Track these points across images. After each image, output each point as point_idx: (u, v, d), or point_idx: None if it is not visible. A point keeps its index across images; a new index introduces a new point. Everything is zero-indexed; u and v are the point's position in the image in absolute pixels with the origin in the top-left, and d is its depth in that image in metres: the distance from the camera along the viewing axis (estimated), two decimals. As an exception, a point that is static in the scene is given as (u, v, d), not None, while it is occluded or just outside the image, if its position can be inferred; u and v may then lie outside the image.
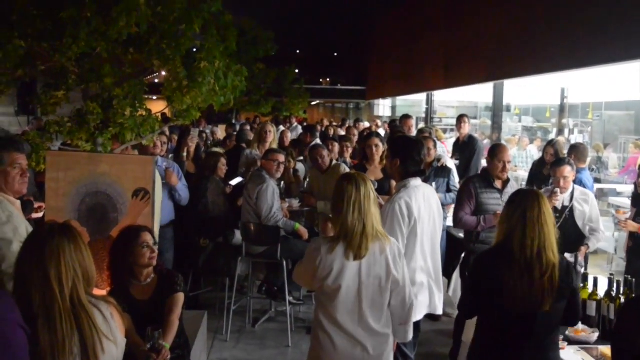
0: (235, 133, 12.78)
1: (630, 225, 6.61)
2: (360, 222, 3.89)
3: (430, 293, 5.10)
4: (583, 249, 6.13)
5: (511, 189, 6.30)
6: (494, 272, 3.73)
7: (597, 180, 12.45)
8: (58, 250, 2.89)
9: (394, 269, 3.97)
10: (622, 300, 4.66)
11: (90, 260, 3.03)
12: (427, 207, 5.00)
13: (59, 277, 2.86)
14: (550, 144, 9.18)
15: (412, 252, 4.89)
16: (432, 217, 5.06)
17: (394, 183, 6.31)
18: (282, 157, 7.64)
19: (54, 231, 2.95)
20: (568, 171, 6.42)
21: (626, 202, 9.16)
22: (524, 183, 14.50)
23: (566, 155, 8.22)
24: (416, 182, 5.00)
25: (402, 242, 4.77)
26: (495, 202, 6.23)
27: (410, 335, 4.26)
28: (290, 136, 12.10)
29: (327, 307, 3.97)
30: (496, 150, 6.38)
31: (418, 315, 5.03)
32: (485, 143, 16.95)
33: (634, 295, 4.50)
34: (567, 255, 5.55)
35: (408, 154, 5.01)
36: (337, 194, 4.02)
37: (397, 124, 11.79)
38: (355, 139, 11.42)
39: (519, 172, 15.35)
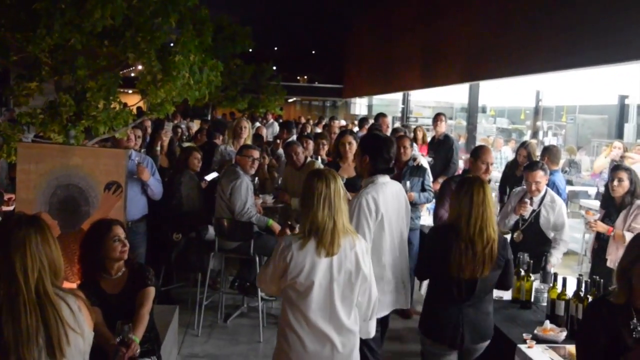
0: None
1: (599, 226, 6.68)
2: (330, 219, 3.87)
3: (397, 289, 5.13)
4: (548, 267, 6.12)
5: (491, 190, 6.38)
6: (445, 244, 4.40)
7: (569, 182, 12.57)
8: (24, 241, 2.85)
9: (363, 264, 3.97)
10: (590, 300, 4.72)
11: (59, 252, 3.00)
12: (395, 203, 5.04)
13: (24, 268, 2.83)
14: (523, 145, 9.25)
15: (380, 247, 4.93)
16: (400, 214, 5.10)
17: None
18: (256, 153, 7.62)
19: (21, 222, 2.92)
20: (540, 176, 6.45)
21: (597, 204, 9.25)
22: (497, 184, 14.66)
23: (539, 157, 8.30)
24: (384, 179, 5.02)
25: (369, 237, 4.81)
26: None
27: (373, 332, 4.32)
28: (265, 132, 12.09)
29: (299, 304, 3.92)
30: (480, 152, 6.41)
31: (386, 310, 5.08)
32: (460, 144, 17.06)
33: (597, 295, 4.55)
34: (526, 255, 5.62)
35: (377, 152, 5.03)
36: (306, 190, 3.99)
37: (374, 124, 11.83)
38: (334, 136, 11.46)
39: (492, 172, 15.45)
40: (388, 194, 4.97)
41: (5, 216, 5.35)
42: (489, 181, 6.48)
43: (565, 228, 6.43)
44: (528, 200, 6.41)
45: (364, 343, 4.91)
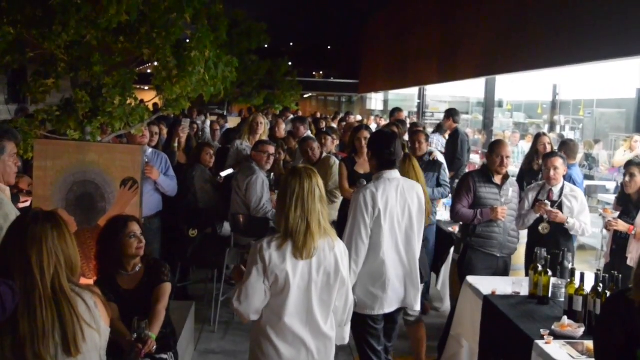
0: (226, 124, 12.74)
1: (620, 225, 6.55)
2: (303, 220, 3.68)
3: (402, 287, 5.07)
4: (565, 262, 6.07)
5: (510, 185, 6.38)
6: None
7: (587, 177, 12.47)
8: (40, 237, 2.88)
9: (342, 267, 3.83)
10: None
11: (75, 248, 3.02)
12: (400, 200, 4.96)
13: (40, 264, 2.86)
14: (541, 135, 9.01)
15: (378, 244, 4.89)
16: (407, 210, 5.00)
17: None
18: (272, 149, 7.62)
19: (38, 218, 2.94)
20: (559, 163, 6.46)
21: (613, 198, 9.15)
22: (514, 178, 14.58)
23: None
24: (390, 174, 4.99)
25: (364, 231, 4.81)
26: (494, 197, 6.31)
27: (347, 338, 4.20)
28: (284, 128, 12.08)
29: (275, 310, 3.73)
30: (494, 146, 6.49)
31: (387, 308, 5.04)
32: (476, 139, 16.99)
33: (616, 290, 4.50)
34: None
35: (378, 148, 5.06)
36: (281, 189, 3.85)
37: (416, 122, 11.98)
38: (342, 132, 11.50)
39: (509, 167, 15.36)
40: (392, 189, 4.93)
41: (23, 212, 5.37)
42: (507, 176, 6.43)
43: (588, 217, 6.47)
44: (548, 202, 6.38)
45: (365, 342, 4.98)
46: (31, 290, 2.84)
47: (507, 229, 6.35)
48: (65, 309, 2.87)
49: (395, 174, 5.03)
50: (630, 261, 6.38)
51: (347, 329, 4.18)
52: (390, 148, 5.02)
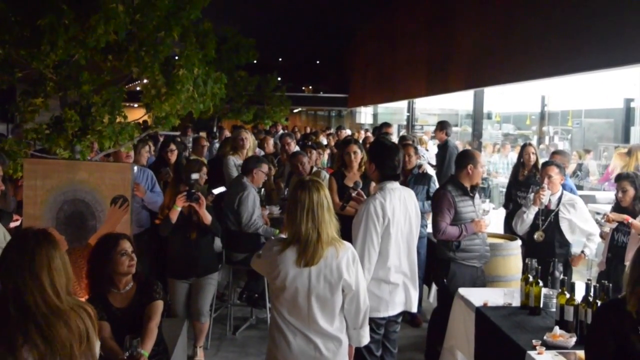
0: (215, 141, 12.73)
1: (616, 216, 6.52)
2: (314, 231, 3.89)
3: (406, 292, 5.24)
4: (579, 256, 6.21)
5: (477, 194, 6.38)
6: None
7: (578, 187, 12.53)
8: (48, 258, 2.98)
9: (346, 273, 3.96)
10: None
11: (69, 266, 3.10)
12: (402, 208, 5.12)
13: (52, 284, 2.96)
14: (528, 144, 9.02)
15: (386, 251, 5.02)
16: (407, 218, 5.18)
17: (372, 189, 6.37)
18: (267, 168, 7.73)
19: (39, 239, 3.03)
20: (555, 172, 6.53)
21: (605, 208, 9.17)
22: (503, 189, 14.64)
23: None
24: (392, 184, 5.14)
25: (376, 241, 4.94)
26: (471, 209, 6.23)
27: (365, 340, 4.29)
28: (272, 143, 12.11)
29: (280, 306, 3.99)
30: (476, 157, 6.35)
31: (392, 310, 5.18)
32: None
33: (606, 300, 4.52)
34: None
35: (382, 159, 5.16)
36: (290, 201, 4.03)
37: (405, 135, 12.06)
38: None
39: (499, 178, 15.44)
40: (395, 199, 5.07)
41: (19, 232, 5.40)
42: (477, 185, 6.38)
43: (591, 220, 6.52)
44: (545, 185, 6.47)
45: (363, 349, 4.97)
46: (46, 308, 2.93)
47: (484, 239, 6.36)
48: (78, 323, 2.98)
49: (396, 184, 5.17)
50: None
51: (364, 332, 4.25)
52: (394, 161, 5.14)
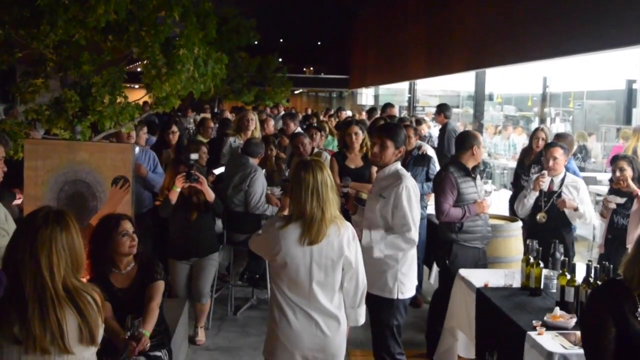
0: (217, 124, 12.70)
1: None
2: (319, 209, 3.92)
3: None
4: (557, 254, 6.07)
5: (478, 175, 6.36)
6: None
7: (581, 169, 12.50)
8: (50, 240, 2.95)
9: (347, 250, 4.01)
10: (600, 286, 4.69)
11: (81, 246, 3.12)
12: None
13: (50, 266, 2.93)
14: (540, 129, 8.97)
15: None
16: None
17: (374, 170, 6.36)
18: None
19: (48, 219, 3.01)
20: (559, 153, 6.51)
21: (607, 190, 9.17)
22: (506, 171, 14.61)
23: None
24: (399, 165, 5.29)
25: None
26: (472, 190, 6.17)
27: (362, 319, 4.32)
28: (272, 124, 12.09)
29: (281, 283, 4.01)
30: (478, 138, 6.32)
31: (413, 292, 5.37)
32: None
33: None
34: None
35: (402, 139, 5.31)
36: (294, 181, 4.04)
37: (403, 117, 12.09)
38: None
39: (500, 160, 15.42)
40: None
41: (20, 211, 5.42)
42: (477, 166, 6.34)
43: (590, 204, 6.56)
44: (545, 172, 6.48)
45: (388, 330, 5.14)
46: (42, 291, 2.91)
47: (486, 220, 6.33)
48: (83, 305, 2.97)
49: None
50: (629, 244, 6.38)
51: (361, 311, 4.28)
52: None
